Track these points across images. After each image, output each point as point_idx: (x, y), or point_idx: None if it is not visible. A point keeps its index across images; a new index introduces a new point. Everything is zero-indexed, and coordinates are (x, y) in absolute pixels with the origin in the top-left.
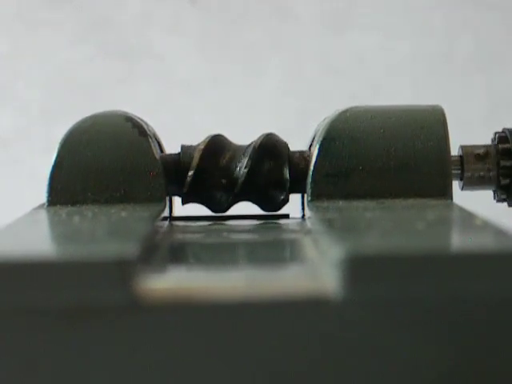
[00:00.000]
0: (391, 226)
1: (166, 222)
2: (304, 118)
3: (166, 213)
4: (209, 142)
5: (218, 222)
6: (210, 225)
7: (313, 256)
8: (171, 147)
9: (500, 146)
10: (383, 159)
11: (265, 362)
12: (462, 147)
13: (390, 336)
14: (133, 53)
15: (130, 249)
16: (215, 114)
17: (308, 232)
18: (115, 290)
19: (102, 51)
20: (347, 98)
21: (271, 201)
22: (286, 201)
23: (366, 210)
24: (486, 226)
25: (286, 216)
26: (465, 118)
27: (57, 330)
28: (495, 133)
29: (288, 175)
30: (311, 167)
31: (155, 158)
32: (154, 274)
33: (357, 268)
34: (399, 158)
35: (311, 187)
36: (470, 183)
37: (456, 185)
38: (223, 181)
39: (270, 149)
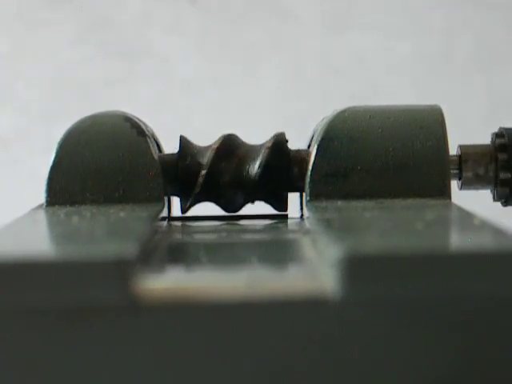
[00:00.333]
0: (390, 226)
1: (165, 222)
2: (304, 118)
3: (164, 213)
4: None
5: (217, 223)
6: (208, 225)
7: (311, 256)
8: (171, 147)
9: (498, 145)
10: (382, 159)
11: (264, 362)
12: (461, 147)
13: (388, 336)
14: (133, 53)
15: (128, 249)
16: (215, 114)
17: (307, 232)
18: (114, 290)
19: (102, 51)
20: (347, 98)
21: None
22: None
23: (364, 209)
24: (485, 226)
25: (285, 216)
26: (465, 118)
27: (56, 329)
28: (493, 133)
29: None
30: (310, 167)
31: (154, 158)
32: (152, 274)
33: (355, 268)
34: (398, 158)
35: (310, 187)
36: (468, 183)
37: (454, 184)
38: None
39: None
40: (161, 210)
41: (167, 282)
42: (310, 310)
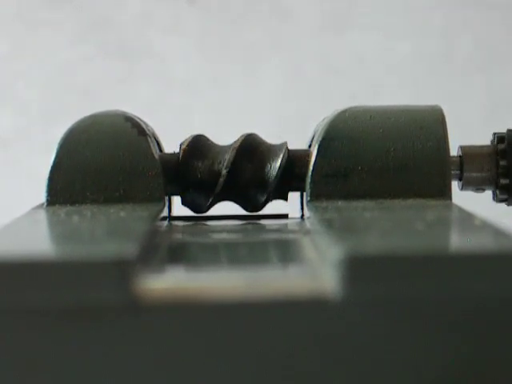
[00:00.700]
0: (390, 226)
1: (165, 222)
2: (304, 118)
3: (165, 213)
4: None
5: (217, 223)
6: (209, 225)
7: (312, 256)
8: (171, 147)
9: (499, 146)
10: (382, 159)
11: (264, 362)
12: (462, 147)
13: (389, 336)
14: (133, 53)
15: (129, 249)
16: (215, 114)
17: (307, 232)
18: (114, 290)
19: (102, 51)
20: (347, 98)
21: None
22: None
23: (365, 210)
24: (486, 227)
25: (285, 216)
26: (465, 118)
27: (56, 329)
28: (494, 133)
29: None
30: (310, 167)
31: (154, 157)
32: (153, 274)
33: (356, 268)
34: (398, 158)
35: (310, 187)
36: (469, 184)
37: (455, 185)
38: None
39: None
40: (161, 210)
41: (167, 281)
42: (310, 311)
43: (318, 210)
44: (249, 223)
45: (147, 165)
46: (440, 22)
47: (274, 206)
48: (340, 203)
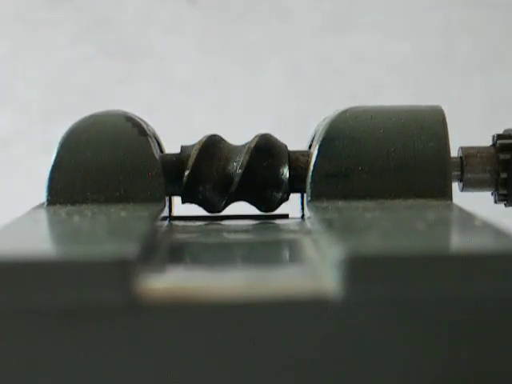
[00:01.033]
0: (391, 227)
1: (166, 222)
2: (304, 118)
3: (165, 212)
4: (205, 141)
5: (218, 222)
6: (209, 225)
7: (312, 256)
8: (171, 147)
9: (499, 147)
10: (383, 159)
11: (264, 362)
12: (462, 149)
13: (389, 336)
14: (133, 53)
15: (129, 248)
16: (215, 114)
17: (308, 232)
18: (115, 290)
19: (102, 51)
20: (347, 98)
21: (267, 201)
22: (282, 201)
23: (365, 210)
24: (486, 227)
25: (286, 216)
26: (465, 118)
27: (56, 329)
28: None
29: (287, 175)
30: (311, 167)
31: (155, 157)
32: (153, 274)
33: (356, 268)
34: (399, 159)
35: (311, 187)
36: (469, 185)
37: (456, 186)
38: (218, 181)
39: (266, 149)
40: (161, 210)
41: (168, 281)
42: (311, 311)
43: (319, 210)
44: (249, 223)
45: (148, 165)
46: (440, 21)
47: None
48: (341, 203)
